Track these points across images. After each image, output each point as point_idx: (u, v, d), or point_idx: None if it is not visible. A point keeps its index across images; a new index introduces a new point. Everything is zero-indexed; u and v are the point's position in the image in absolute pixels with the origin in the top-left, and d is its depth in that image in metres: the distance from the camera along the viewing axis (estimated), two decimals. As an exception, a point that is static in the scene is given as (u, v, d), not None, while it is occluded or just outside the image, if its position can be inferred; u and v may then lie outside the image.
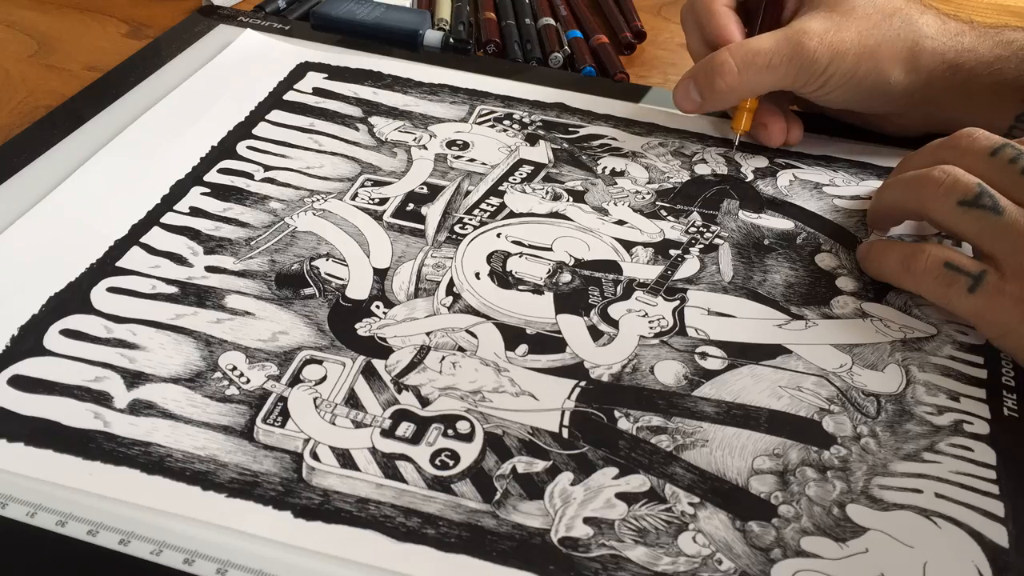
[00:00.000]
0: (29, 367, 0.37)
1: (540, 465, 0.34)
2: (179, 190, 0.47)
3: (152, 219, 0.45)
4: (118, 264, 0.42)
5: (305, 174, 0.49)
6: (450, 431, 0.35)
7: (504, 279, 0.43)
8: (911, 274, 0.41)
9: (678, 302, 0.42)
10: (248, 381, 0.37)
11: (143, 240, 0.44)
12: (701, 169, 0.51)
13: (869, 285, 0.44)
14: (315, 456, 0.34)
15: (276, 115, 0.53)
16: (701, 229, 0.47)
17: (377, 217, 0.46)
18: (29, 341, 0.38)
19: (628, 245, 0.45)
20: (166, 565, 0.30)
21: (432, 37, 0.62)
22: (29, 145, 0.49)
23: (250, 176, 0.49)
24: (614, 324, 0.41)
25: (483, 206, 0.48)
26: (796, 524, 0.33)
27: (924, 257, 0.41)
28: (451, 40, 0.62)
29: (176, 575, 0.30)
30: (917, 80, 0.49)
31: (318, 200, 0.47)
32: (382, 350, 0.39)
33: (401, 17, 0.63)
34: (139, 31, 0.64)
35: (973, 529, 0.33)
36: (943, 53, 0.49)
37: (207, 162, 0.49)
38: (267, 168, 0.49)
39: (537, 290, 0.42)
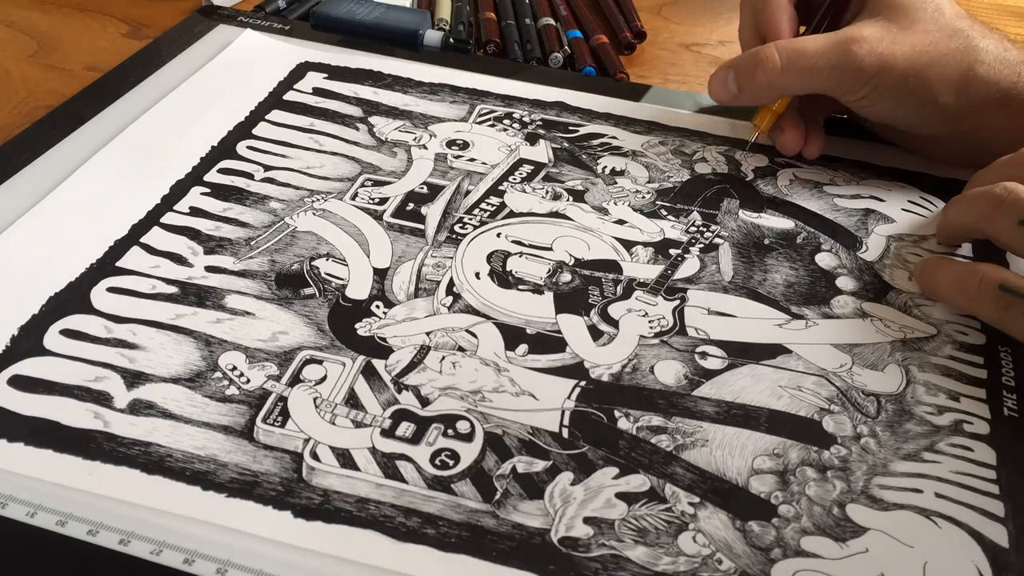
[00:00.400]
0: (29, 367, 0.37)
1: (540, 465, 0.34)
2: (179, 190, 0.47)
3: (152, 219, 0.45)
4: (118, 264, 0.42)
5: (305, 174, 0.49)
6: (450, 431, 0.35)
7: (504, 279, 0.43)
8: (965, 295, 0.41)
9: (678, 302, 0.42)
10: (248, 381, 0.37)
11: (143, 240, 0.44)
12: (701, 168, 0.51)
13: (869, 285, 0.44)
14: (315, 456, 0.34)
15: (276, 115, 0.53)
16: (701, 228, 0.47)
17: (377, 217, 0.46)
18: (29, 341, 0.38)
19: (628, 245, 0.45)
20: (166, 565, 0.30)
21: (432, 37, 0.62)
22: (29, 145, 0.49)
23: (250, 176, 0.49)
24: (614, 324, 0.41)
25: (483, 206, 0.48)
26: (796, 524, 0.33)
27: (978, 279, 0.40)
28: (451, 40, 0.62)
29: (176, 575, 0.30)
30: (967, 105, 0.47)
31: (318, 200, 0.47)
32: (382, 350, 0.39)
33: (401, 17, 0.63)
34: (139, 31, 0.64)
35: (973, 529, 0.33)
36: (998, 82, 0.47)
37: (207, 162, 0.49)
38: (267, 168, 0.49)
39: (537, 290, 0.42)
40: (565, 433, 0.36)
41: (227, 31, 0.61)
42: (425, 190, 0.48)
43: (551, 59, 0.62)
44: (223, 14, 0.64)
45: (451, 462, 0.34)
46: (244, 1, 0.67)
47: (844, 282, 0.44)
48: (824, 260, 0.45)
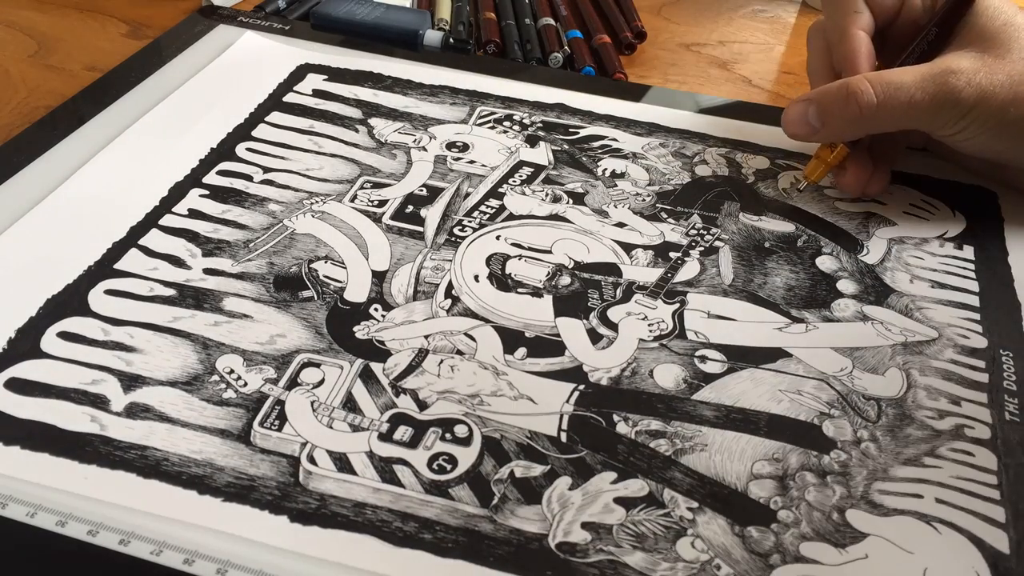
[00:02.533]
0: (26, 370, 0.37)
1: (538, 469, 0.34)
2: (178, 192, 0.47)
3: (150, 221, 0.45)
4: (116, 266, 0.42)
5: (304, 176, 0.49)
6: (448, 435, 0.35)
7: (503, 282, 0.43)
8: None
9: (678, 305, 0.42)
10: (245, 384, 0.37)
11: (141, 242, 0.43)
12: (702, 171, 0.51)
13: (870, 288, 0.44)
14: (312, 460, 0.34)
15: (276, 117, 0.53)
16: (701, 231, 0.47)
17: (376, 219, 0.46)
18: (26, 344, 0.38)
19: (628, 247, 0.45)
20: (166, 565, 0.30)
21: (432, 37, 0.62)
22: (29, 145, 0.49)
23: (249, 178, 0.48)
24: (613, 327, 0.41)
25: (482, 208, 0.47)
26: (795, 529, 0.33)
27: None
28: (451, 40, 0.62)
29: (176, 575, 0.30)
30: None
31: (317, 202, 0.47)
32: (380, 353, 0.39)
33: (401, 17, 0.63)
34: (139, 31, 0.64)
35: (974, 535, 0.33)
36: None
37: (206, 164, 0.49)
38: (266, 170, 0.49)
39: (536, 293, 0.42)
40: (563, 437, 0.35)
41: (227, 31, 0.61)
42: (424, 192, 0.48)
43: (551, 59, 0.61)
44: (223, 14, 0.63)
45: (449, 466, 0.34)
46: (244, 1, 0.67)
47: (845, 285, 0.44)
48: (825, 263, 0.45)
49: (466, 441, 0.35)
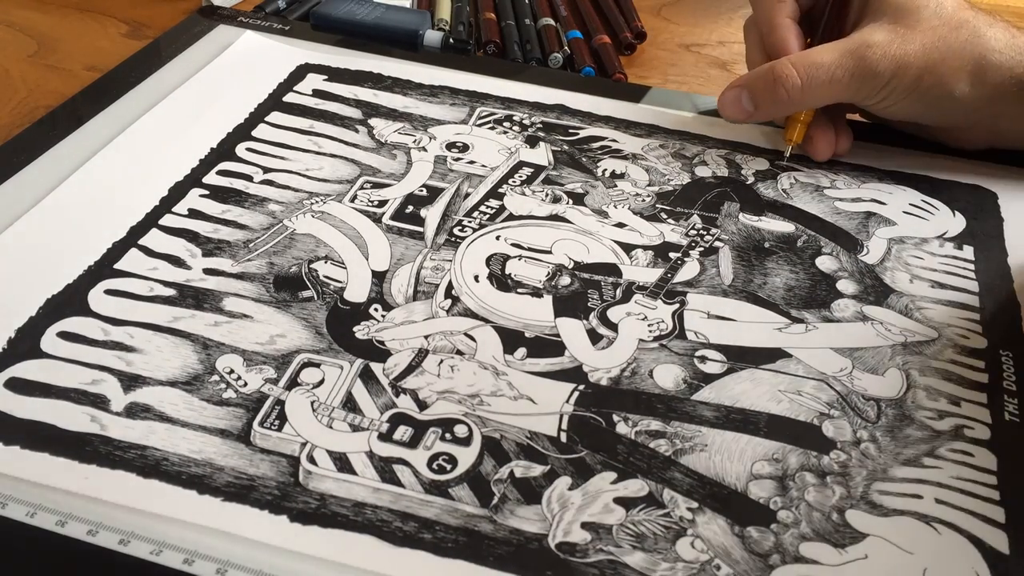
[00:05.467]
0: (26, 370, 0.37)
1: (538, 469, 0.34)
2: (178, 192, 0.47)
3: (150, 221, 0.45)
4: (116, 266, 0.42)
5: (304, 176, 0.49)
6: (448, 435, 0.35)
7: (503, 282, 0.43)
8: None
9: (678, 305, 0.42)
10: (245, 384, 0.37)
11: (141, 242, 0.43)
12: (702, 171, 0.51)
13: (870, 288, 0.44)
14: (312, 460, 0.34)
15: (276, 117, 0.53)
16: (701, 232, 0.47)
17: (376, 219, 0.46)
18: (26, 343, 0.38)
19: (628, 248, 0.45)
20: (166, 565, 0.30)
21: (432, 37, 0.62)
22: (29, 145, 0.49)
23: (249, 178, 0.48)
24: (613, 327, 0.41)
25: (482, 208, 0.47)
26: (795, 529, 0.33)
27: None
28: (451, 40, 0.62)
29: (175, 575, 0.30)
30: (983, 94, 0.48)
31: (317, 202, 0.47)
32: (380, 353, 0.39)
33: (401, 17, 0.63)
34: (139, 31, 0.64)
35: (973, 535, 0.33)
36: (1011, 68, 0.48)
37: (206, 164, 0.49)
38: (266, 170, 0.49)
39: (536, 293, 0.42)
40: (563, 437, 0.35)
41: (227, 31, 0.61)
42: (424, 192, 0.48)
43: (551, 59, 0.61)
44: (223, 14, 0.63)
45: (448, 466, 0.34)
46: (244, 1, 0.67)
47: (845, 285, 0.44)
48: (825, 263, 0.45)
49: (466, 441, 0.35)
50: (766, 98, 0.49)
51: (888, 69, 0.47)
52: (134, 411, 0.35)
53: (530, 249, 0.45)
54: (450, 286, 0.42)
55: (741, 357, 0.40)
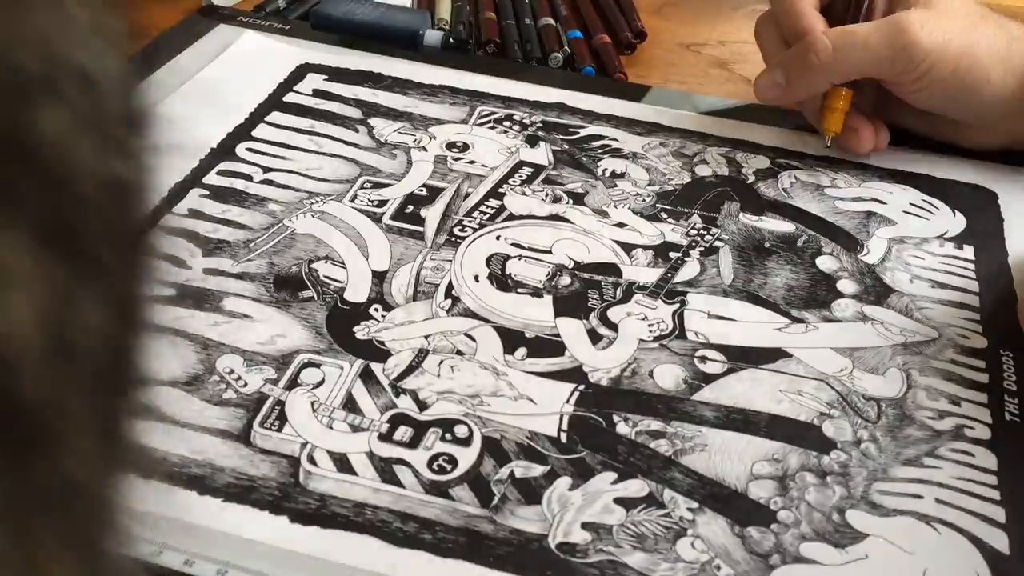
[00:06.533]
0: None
1: (538, 470, 0.34)
2: (178, 192, 0.47)
3: (150, 221, 0.45)
4: (116, 266, 0.42)
5: (304, 176, 0.49)
6: (448, 435, 0.35)
7: (503, 282, 0.43)
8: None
9: (678, 305, 0.42)
10: (245, 384, 0.37)
11: (141, 242, 0.43)
12: (702, 170, 0.51)
13: (870, 288, 0.44)
14: (312, 460, 0.34)
15: (276, 116, 0.53)
16: (701, 231, 0.46)
17: (376, 219, 0.46)
18: (26, 344, 0.38)
19: (628, 248, 0.45)
20: (166, 566, 0.30)
21: (432, 37, 0.62)
22: (28, 146, 0.49)
23: (249, 178, 0.48)
24: (613, 327, 0.41)
25: (482, 208, 0.47)
26: (795, 529, 0.33)
27: None
28: (451, 40, 0.62)
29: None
30: (1013, 83, 0.48)
31: (317, 202, 0.47)
32: (380, 353, 0.39)
33: (401, 17, 0.63)
34: (139, 31, 0.64)
35: (974, 535, 0.33)
36: None
37: (206, 164, 0.49)
38: (266, 170, 0.49)
39: (536, 293, 0.42)
40: (564, 438, 0.35)
41: (227, 31, 0.61)
42: (424, 192, 0.48)
43: (551, 59, 0.61)
44: (223, 14, 0.63)
45: (449, 467, 0.34)
46: (244, 1, 0.67)
47: (845, 285, 0.44)
48: (825, 263, 0.45)
49: (466, 441, 0.35)
50: (797, 66, 0.49)
51: (928, 43, 0.46)
52: (134, 411, 0.35)
53: (530, 249, 0.45)
54: (450, 286, 0.42)
55: (741, 357, 0.40)
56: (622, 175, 0.50)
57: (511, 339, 0.40)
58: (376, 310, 0.41)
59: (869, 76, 0.49)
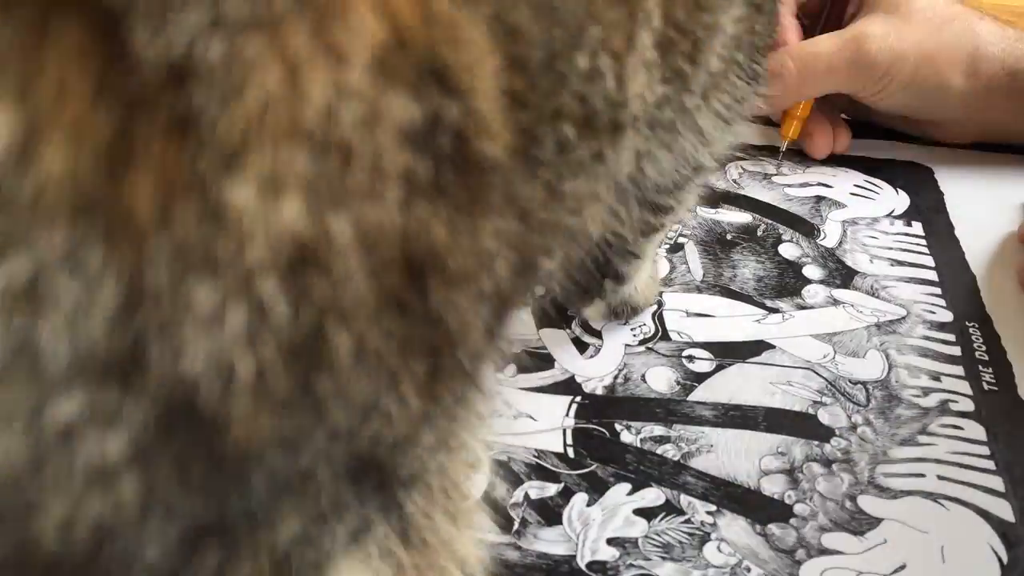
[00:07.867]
0: None
1: (552, 488, 0.33)
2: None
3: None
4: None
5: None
6: (454, 463, 0.34)
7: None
8: None
9: (655, 306, 0.42)
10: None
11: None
12: (652, 167, 0.51)
13: (835, 271, 0.44)
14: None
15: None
16: (663, 229, 0.46)
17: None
18: None
19: (595, 251, 0.45)
20: None
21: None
22: None
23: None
24: (597, 335, 0.40)
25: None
26: (814, 522, 0.33)
27: None
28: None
29: None
30: (976, 85, 0.49)
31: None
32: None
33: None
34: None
35: (979, 507, 0.34)
36: (1002, 59, 0.49)
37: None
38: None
39: (514, 306, 0.41)
40: (571, 452, 0.35)
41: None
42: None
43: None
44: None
45: (462, 496, 0.33)
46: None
47: (811, 271, 0.45)
48: (787, 251, 0.46)
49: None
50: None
51: (886, 59, 0.47)
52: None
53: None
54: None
55: (727, 353, 0.40)
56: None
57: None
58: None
59: (833, 91, 0.50)
